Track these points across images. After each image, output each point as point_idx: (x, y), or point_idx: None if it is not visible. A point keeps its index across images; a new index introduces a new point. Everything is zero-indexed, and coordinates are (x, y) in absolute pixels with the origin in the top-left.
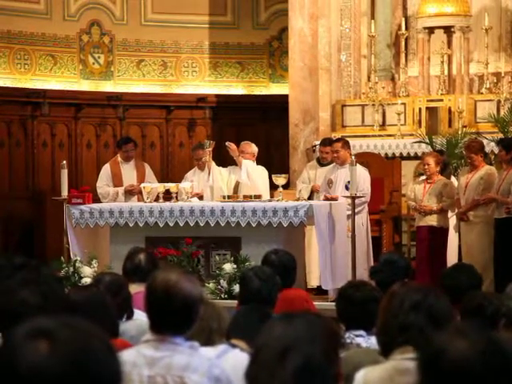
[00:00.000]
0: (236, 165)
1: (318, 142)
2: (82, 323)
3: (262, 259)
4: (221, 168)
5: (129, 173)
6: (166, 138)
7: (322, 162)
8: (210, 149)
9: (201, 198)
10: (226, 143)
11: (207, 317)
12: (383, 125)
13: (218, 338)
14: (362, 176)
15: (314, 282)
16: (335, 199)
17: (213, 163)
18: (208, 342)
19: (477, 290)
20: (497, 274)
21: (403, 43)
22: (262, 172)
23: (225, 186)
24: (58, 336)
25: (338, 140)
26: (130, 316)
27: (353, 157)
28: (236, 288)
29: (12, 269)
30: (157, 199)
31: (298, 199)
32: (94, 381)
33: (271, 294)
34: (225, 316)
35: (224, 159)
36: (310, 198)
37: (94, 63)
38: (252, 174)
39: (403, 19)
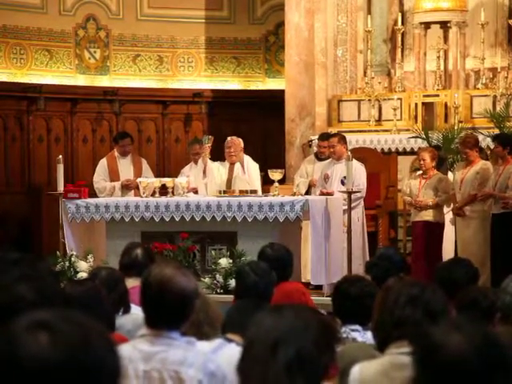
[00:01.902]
0: (225, 160)
1: (313, 137)
2: (82, 317)
3: (258, 253)
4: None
5: (126, 168)
6: (162, 133)
7: (320, 157)
8: (209, 144)
9: (196, 192)
10: (228, 138)
11: (195, 309)
12: (379, 120)
13: (207, 329)
14: (358, 171)
15: (310, 276)
16: (331, 194)
17: (208, 160)
18: (198, 334)
19: (473, 285)
20: (494, 268)
21: (399, 38)
22: (256, 166)
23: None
24: (58, 328)
25: (334, 135)
26: (126, 310)
27: (349, 152)
28: (232, 283)
29: (8, 264)
30: (153, 194)
31: (294, 194)
32: (94, 373)
33: (267, 289)
34: (212, 306)
35: (221, 154)
36: (308, 192)
37: (89, 58)
38: (250, 169)
39: (399, 14)
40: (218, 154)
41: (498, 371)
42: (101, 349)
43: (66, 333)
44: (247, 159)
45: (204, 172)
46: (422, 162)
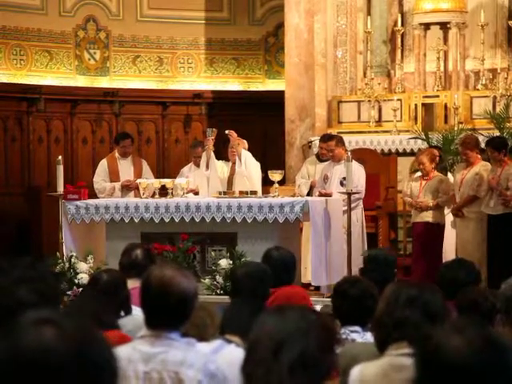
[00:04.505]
0: (228, 160)
1: (313, 138)
2: (83, 317)
3: (262, 255)
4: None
5: (126, 168)
6: (162, 134)
7: (321, 158)
8: (213, 137)
9: (196, 193)
10: (227, 131)
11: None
12: (379, 121)
13: (212, 331)
14: (357, 172)
15: (311, 277)
16: (329, 195)
17: (212, 154)
18: (201, 335)
19: (472, 286)
20: (491, 270)
21: (399, 39)
22: (256, 165)
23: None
24: (64, 324)
25: (331, 138)
26: (128, 312)
27: (348, 153)
28: None
29: (9, 266)
30: (153, 195)
31: (294, 195)
32: (96, 368)
33: (263, 290)
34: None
35: (220, 153)
36: (310, 193)
37: (89, 59)
38: (249, 165)
39: (399, 15)
40: (217, 154)
41: (498, 374)
42: (103, 346)
43: (71, 328)
44: (245, 153)
45: (207, 165)
46: (421, 167)
